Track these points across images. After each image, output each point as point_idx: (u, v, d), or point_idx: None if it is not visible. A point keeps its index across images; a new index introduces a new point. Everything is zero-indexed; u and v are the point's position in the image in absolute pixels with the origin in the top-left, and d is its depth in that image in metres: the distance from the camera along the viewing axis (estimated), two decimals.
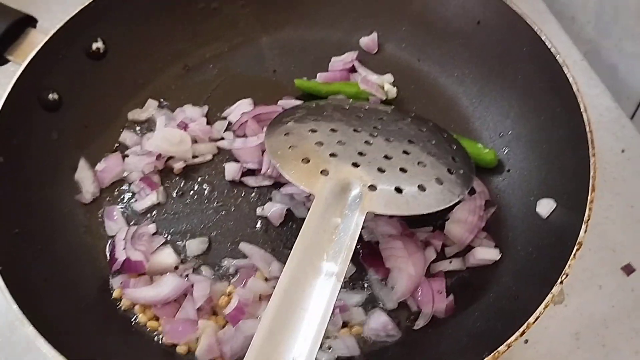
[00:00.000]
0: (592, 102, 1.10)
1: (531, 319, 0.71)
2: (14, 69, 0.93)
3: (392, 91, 1.04)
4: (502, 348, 0.70)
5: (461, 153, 0.89)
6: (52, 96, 0.97)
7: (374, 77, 1.05)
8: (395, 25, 1.09)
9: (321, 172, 0.80)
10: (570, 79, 0.86)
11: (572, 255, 0.73)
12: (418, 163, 0.83)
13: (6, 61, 0.96)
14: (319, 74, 1.07)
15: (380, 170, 0.81)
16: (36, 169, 0.94)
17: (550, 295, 0.72)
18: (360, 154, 0.83)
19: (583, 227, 0.75)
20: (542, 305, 0.71)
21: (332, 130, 0.86)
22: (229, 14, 1.11)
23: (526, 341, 0.89)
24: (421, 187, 0.80)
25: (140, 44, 1.06)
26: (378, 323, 0.84)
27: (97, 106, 1.02)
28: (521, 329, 0.70)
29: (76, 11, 0.98)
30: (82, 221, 0.95)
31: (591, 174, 0.79)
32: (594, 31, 1.21)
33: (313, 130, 0.86)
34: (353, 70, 1.07)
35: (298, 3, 1.12)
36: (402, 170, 0.81)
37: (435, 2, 1.05)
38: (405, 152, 0.84)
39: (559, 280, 0.72)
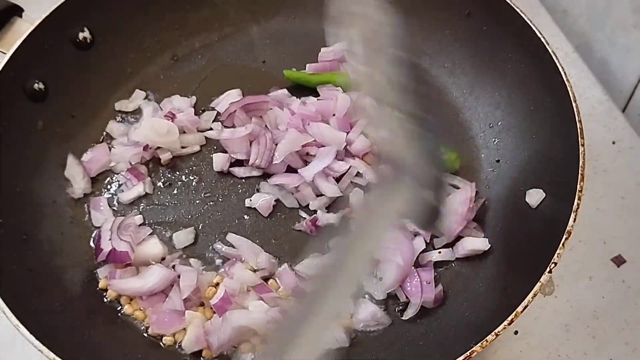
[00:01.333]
0: (583, 94, 1.10)
1: (519, 308, 0.71)
2: (0, 58, 0.92)
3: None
4: (490, 337, 0.70)
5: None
6: (38, 86, 0.96)
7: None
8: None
9: None
10: (560, 69, 0.85)
11: (560, 245, 0.73)
12: None
13: None
14: (308, 65, 1.06)
15: None
16: (21, 159, 0.93)
17: (538, 285, 0.72)
18: None
19: (572, 216, 0.75)
20: (531, 295, 0.71)
21: None
22: (219, 4, 1.10)
23: (516, 332, 0.89)
24: None
25: (128, 33, 1.05)
26: (367, 313, 0.84)
27: (83, 96, 1.02)
28: (509, 318, 0.70)
29: (63, 0, 0.97)
30: (68, 211, 0.94)
31: (580, 163, 0.78)
32: (586, 24, 1.21)
33: None
34: (343, 60, 1.07)
35: None
36: None
37: None
38: None
39: (548, 269, 0.72)
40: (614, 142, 1.05)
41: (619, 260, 0.94)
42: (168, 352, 0.84)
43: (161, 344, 0.84)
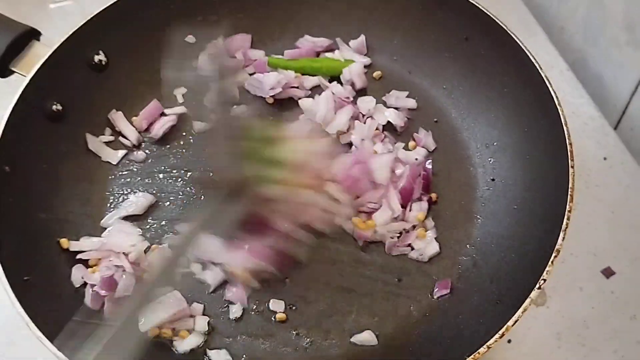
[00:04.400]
0: (576, 110, 1.14)
1: (510, 322, 0.75)
2: (19, 81, 0.96)
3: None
4: (482, 350, 0.74)
5: None
6: (56, 107, 0.99)
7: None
8: (387, 39, 1.13)
9: None
10: (553, 93, 0.90)
11: (549, 262, 0.78)
12: None
13: (11, 73, 0.98)
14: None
15: None
16: (40, 179, 0.97)
17: (529, 300, 0.76)
18: None
19: (561, 235, 0.79)
20: (521, 310, 0.75)
21: None
22: (227, 26, 1.13)
23: (509, 341, 0.93)
24: None
25: (142, 56, 1.09)
26: None
27: (99, 117, 1.06)
28: (501, 332, 0.74)
29: (79, 24, 1.01)
30: (86, 228, 0.98)
31: (569, 185, 0.83)
32: (581, 41, 1.25)
33: None
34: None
35: (294, 16, 1.16)
36: None
37: (426, 19, 1.09)
38: None
39: (537, 286, 0.76)
40: (605, 158, 1.10)
41: (608, 272, 0.99)
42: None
43: None
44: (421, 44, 1.10)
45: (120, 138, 1.06)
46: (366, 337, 0.88)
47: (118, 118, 1.07)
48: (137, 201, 1.00)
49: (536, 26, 1.26)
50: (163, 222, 0.99)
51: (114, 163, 1.04)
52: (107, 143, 1.06)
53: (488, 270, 0.90)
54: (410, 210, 0.95)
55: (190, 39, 0.99)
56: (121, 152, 1.05)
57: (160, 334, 0.88)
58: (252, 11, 1.15)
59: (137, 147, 1.07)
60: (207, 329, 0.89)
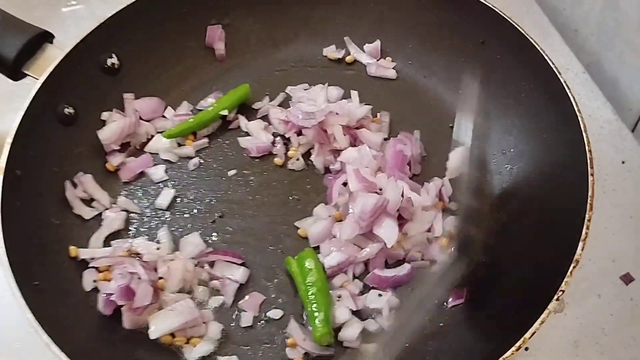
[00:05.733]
0: (593, 114, 1.13)
1: (527, 335, 0.74)
2: (32, 84, 0.96)
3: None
4: None
5: None
6: (68, 110, 1.00)
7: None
8: (403, 43, 1.13)
9: None
10: (572, 99, 0.89)
11: (568, 273, 0.77)
12: None
13: (24, 76, 0.98)
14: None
15: None
16: (51, 183, 0.96)
17: (546, 312, 0.75)
18: None
19: (580, 244, 0.78)
20: (539, 322, 0.74)
21: None
22: (241, 30, 1.14)
23: (527, 349, 0.92)
24: None
25: (154, 59, 1.09)
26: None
27: None
28: (518, 343, 0.74)
29: (92, 28, 1.01)
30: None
31: (589, 193, 0.81)
32: (596, 43, 1.24)
33: None
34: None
35: (307, 20, 1.15)
36: None
37: (441, 23, 1.08)
38: None
39: (555, 297, 0.75)
40: (623, 162, 1.08)
41: (627, 279, 0.98)
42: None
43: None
44: (436, 48, 1.10)
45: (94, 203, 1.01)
46: (372, 349, 0.87)
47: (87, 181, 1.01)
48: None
49: (551, 28, 1.25)
50: (187, 215, 1.00)
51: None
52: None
53: (504, 281, 0.90)
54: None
55: None
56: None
57: (173, 342, 0.88)
58: (265, 14, 1.15)
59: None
60: (220, 336, 0.89)
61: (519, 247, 0.91)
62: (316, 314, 0.86)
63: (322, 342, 0.86)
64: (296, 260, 0.93)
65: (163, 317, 0.87)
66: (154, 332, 0.86)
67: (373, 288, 0.92)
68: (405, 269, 0.92)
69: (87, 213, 0.98)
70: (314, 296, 0.88)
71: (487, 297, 0.89)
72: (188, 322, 0.87)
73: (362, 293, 0.91)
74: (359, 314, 0.90)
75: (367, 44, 1.14)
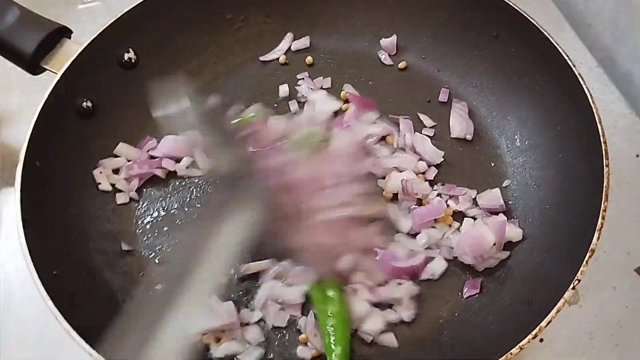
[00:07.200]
0: (606, 108, 1.13)
1: (543, 323, 0.74)
2: (50, 78, 0.97)
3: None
4: (514, 350, 0.74)
5: None
6: (86, 104, 1.01)
7: None
8: (416, 37, 1.13)
9: None
10: (586, 91, 0.89)
11: (584, 262, 0.77)
12: None
13: (43, 70, 1.00)
14: None
15: None
16: (70, 173, 0.98)
17: (562, 301, 0.75)
18: None
19: (596, 235, 0.79)
20: (555, 310, 0.75)
21: None
22: (255, 25, 1.15)
23: (541, 340, 0.92)
24: None
25: (170, 54, 1.10)
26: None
27: (128, 115, 1.06)
28: (533, 332, 0.74)
29: (109, 22, 1.02)
30: (116, 226, 0.99)
31: (604, 184, 0.82)
32: (610, 38, 1.24)
33: None
34: None
35: (320, 14, 1.16)
36: None
37: (455, 16, 1.08)
38: None
39: (571, 286, 0.76)
40: (637, 155, 1.09)
41: None
42: None
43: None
44: (450, 42, 1.10)
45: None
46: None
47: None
48: None
49: (564, 22, 1.25)
50: None
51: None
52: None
53: (519, 270, 0.90)
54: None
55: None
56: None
57: (201, 339, 0.88)
58: (280, 10, 1.16)
59: None
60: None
61: (533, 238, 0.91)
62: (333, 347, 0.84)
63: None
64: (320, 286, 0.89)
65: (201, 316, 0.85)
66: (190, 329, 0.84)
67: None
68: (419, 258, 0.92)
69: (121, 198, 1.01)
70: (332, 328, 0.85)
71: (502, 287, 0.89)
72: (226, 325, 0.87)
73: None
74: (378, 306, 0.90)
75: (383, 39, 1.14)
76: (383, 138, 1.04)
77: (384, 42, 1.14)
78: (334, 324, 0.85)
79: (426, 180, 0.99)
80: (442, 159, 1.01)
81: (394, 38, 1.13)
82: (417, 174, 0.99)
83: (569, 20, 1.26)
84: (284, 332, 0.90)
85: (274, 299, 0.90)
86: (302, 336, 0.88)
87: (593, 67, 1.19)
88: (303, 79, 1.12)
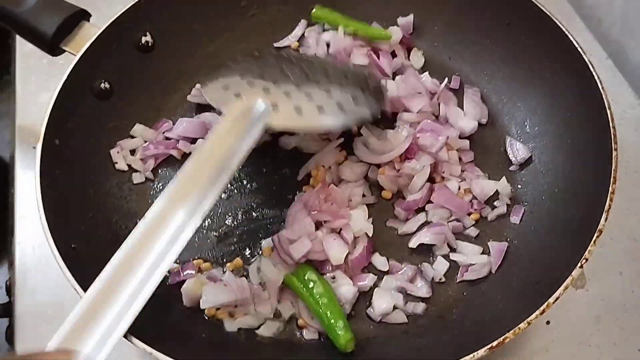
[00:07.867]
0: (616, 99, 1.13)
1: (551, 300, 0.75)
2: (69, 60, 0.99)
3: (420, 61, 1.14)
4: (522, 325, 0.74)
5: (374, 89, 0.98)
6: (104, 85, 1.03)
7: None
8: (428, 25, 1.15)
9: (235, 95, 0.90)
10: (596, 77, 0.90)
11: (592, 242, 0.78)
12: (325, 91, 0.91)
13: (62, 52, 1.02)
14: None
15: (287, 94, 0.90)
16: (88, 153, 1.00)
17: (570, 278, 0.76)
18: (275, 82, 0.91)
19: (604, 216, 0.80)
20: (562, 287, 0.76)
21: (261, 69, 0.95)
22: (270, 12, 1.17)
23: (548, 322, 0.94)
24: (320, 109, 0.88)
25: (186, 38, 1.12)
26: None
27: (144, 97, 1.08)
28: (541, 308, 0.75)
29: (127, 6, 1.04)
30: (132, 205, 1.01)
31: (612, 167, 0.83)
32: (620, 32, 1.25)
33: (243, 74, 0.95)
34: None
35: (335, 2, 1.16)
36: (307, 95, 0.90)
37: (467, 5, 1.10)
38: (316, 82, 0.92)
39: (579, 265, 0.77)
40: None
41: None
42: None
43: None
44: (462, 30, 1.11)
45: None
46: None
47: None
48: None
49: (574, 15, 1.27)
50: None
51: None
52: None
53: (527, 252, 0.92)
54: None
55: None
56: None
57: (216, 314, 0.90)
58: None
59: None
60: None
61: (542, 221, 0.93)
62: (333, 322, 0.85)
63: (348, 348, 0.84)
64: (296, 275, 0.90)
65: (215, 290, 0.88)
66: (204, 303, 0.87)
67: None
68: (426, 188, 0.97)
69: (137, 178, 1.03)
70: (326, 307, 0.86)
71: (509, 268, 0.91)
72: (238, 300, 0.89)
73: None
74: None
75: (400, 17, 1.15)
76: None
77: (401, 20, 1.15)
78: (324, 303, 0.87)
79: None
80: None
81: (410, 17, 1.15)
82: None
83: (579, 14, 1.28)
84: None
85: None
86: (300, 321, 0.90)
87: (603, 59, 1.20)
88: None
